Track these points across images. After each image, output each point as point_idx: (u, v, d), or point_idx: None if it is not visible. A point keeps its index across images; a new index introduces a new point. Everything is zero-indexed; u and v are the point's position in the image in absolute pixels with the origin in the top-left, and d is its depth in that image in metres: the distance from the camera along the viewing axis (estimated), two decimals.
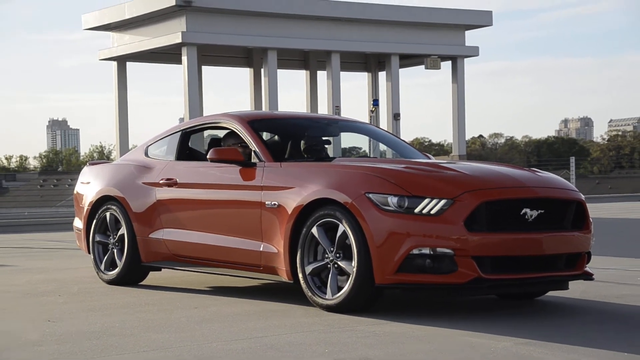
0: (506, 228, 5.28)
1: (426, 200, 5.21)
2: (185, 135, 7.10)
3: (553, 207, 5.49)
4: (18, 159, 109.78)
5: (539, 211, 5.38)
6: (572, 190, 5.69)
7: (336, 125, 7.25)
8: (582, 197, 5.73)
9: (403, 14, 20.85)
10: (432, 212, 5.18)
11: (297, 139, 6.52)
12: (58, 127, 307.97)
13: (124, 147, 20.64)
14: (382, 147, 7.63)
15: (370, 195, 5.30)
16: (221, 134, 6.99)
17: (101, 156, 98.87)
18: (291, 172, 5.88)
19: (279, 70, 19.83)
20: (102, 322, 5.31)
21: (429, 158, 6.84)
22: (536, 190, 5.48)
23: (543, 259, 5.40)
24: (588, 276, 5.66)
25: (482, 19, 21.82)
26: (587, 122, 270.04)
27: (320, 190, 5.53)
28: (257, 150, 6.23)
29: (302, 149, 6.44)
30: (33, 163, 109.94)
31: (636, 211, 18.78)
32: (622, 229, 13.73)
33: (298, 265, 5.62)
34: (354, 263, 5.30)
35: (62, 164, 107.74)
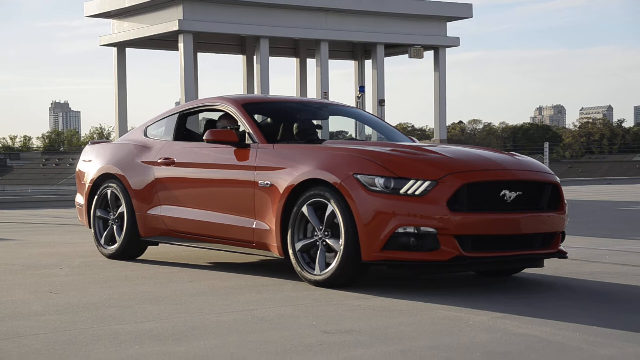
0: (486, 208, 5.30)
1: (411, 182, 5.20)
2: (183, 116, 7.07)
3: (530, 189, 5.50)
4: (22, 139, 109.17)
5: (517, 193, 5.39)
6: (548, 173, 5.69)
7: (326, 109, 7.22)
8: (558, 179, 5.73)
9: (388, 5, 20.78)
10: (417, 192, 5.17)
11: (289, 122, 6.50)
12: (60, 109, 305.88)
13: (122, 129, 20.54)
14: (368, 130, 7.59)
15: (358, 176, 5.29)
16: (216, 116, 6.96)
17: (101, 137, 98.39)
18: (283, 153, 5.86)
19: (270, 58, 19.76)
20: (102, 293, 5.29)
21: (414, 141, 6.83)
22: (515, 173, 5.47)
23: (520, 238, 5.42)
24: (562, 254, 5.68)
25: (462, 11, 21.77)
26: (560, 110, 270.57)
27: (311, 170, 5.52)
28: (251, 132, 6.21)
29: (294, 131, 6.41)
30: (36, 143, 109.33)
31: (605, 193, 18.88)
32: (593, 210, 13.80)
33: (288, 242, 5.61)
34: (342, 241, 5.30)
35: (63, 144, 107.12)
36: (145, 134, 7.27)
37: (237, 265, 6.74)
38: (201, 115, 7.12)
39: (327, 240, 5.44)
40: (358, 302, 4.97)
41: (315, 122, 6.81)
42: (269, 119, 6.81)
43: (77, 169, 7.84)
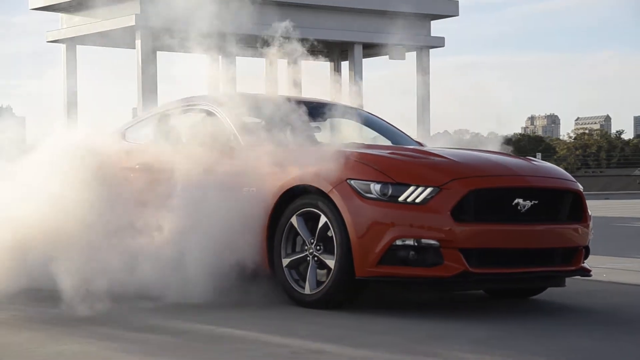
0: (496, 219, 5.13)
1: (411, 188, 5.05)
2: (163, 118, 6.91)
3: (548, 197, 5.33)
4: None
5: (533, 202, 5.20)
6: (569, 180, 5.53)
7: (325, 109, 7.02)
8: (580, 187, 5.55)
9: (366, 1, 20.90)
10: (417, 200, 5.03)
11: (282, 123, 6.34)
12: (2, 114, 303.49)
13: None
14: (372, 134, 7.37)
15: (352, 182, 5.15)
16: (200, 116, 6.69)
17: None
18: (270, 157, 5.72)
19: (236, 58, 19.72)
20: None
21: (423, 146, 6.64)
22: (530, 179, 5.33)
23: (536, 253, 5.25)
24: (585, 272, 5.50)
25: (448, 9, 21.94)
26: (553, 120, 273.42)
27: (300, 176, 5.38)
28: (236, 133, 6.06)
29: (287, 133, 6.24)
30: None
31: (603, 209, 19.06)
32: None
33: (275, 256, 5.46)
34: (335, 255, 5.14)
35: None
36: (124, 138, 7.11)
37: None
38: (184, 116, 6.91)
39: (318, 256, 5.28)
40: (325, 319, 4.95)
41: (313, 123, 6.64)
42: (260, 121, 6.60)
43: None
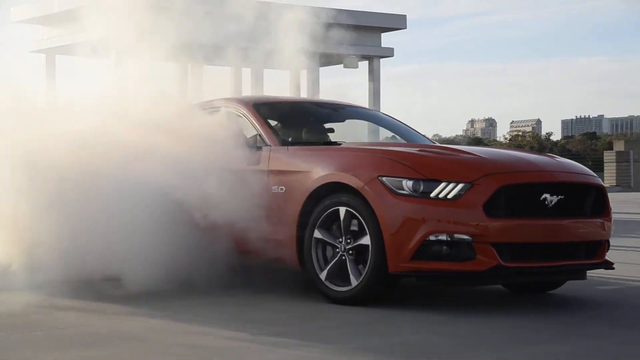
0: (526, 214, 4.80)
1: (442, 184, 4.70)
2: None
3: (573, 192, 5.00)
4: None
5: (559, 197, 4.86)
6: (592, 176, 5.21)
7: (342, 111, 6.65)
8: (602, 182, 5.24)
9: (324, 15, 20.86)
10: (449, 196, 4.68)
11: (300, 124, 6.04)
12: None
13: None
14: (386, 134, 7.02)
15: (384, 179, 4.78)
16: (228, 117, 6.17)
17: None
18: (299, 156, 5.32)
19: (207, 66, 19.55)
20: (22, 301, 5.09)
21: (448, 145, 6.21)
22: (555, 174, 4.98)
23: (563, 247, 4.92)
24: (608, 265, 5.14)
25: (396, 22, 22.08)
26: (491, 123, 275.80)
27: (330, 174, 4.99)
28: (262, 133, 5.64)
29: (306, 134, 5.97)
30: None
31: None
32: None
33: (305, 253, 5.03)
34: (370, 251, 4.75)
35: None
36: None
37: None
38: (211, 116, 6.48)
39: (351, 253, 4.86)
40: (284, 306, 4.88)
41: (327, 125, 6.30)
42: (278, 122, 6.17)
43: None
